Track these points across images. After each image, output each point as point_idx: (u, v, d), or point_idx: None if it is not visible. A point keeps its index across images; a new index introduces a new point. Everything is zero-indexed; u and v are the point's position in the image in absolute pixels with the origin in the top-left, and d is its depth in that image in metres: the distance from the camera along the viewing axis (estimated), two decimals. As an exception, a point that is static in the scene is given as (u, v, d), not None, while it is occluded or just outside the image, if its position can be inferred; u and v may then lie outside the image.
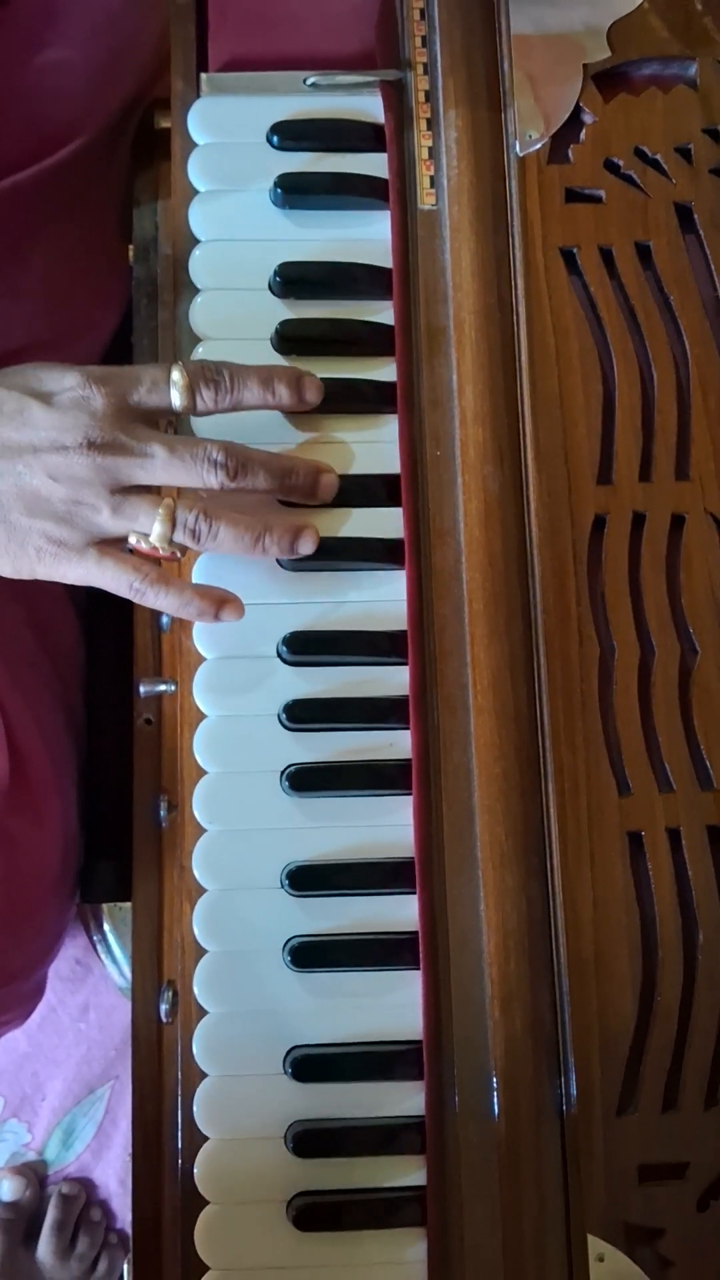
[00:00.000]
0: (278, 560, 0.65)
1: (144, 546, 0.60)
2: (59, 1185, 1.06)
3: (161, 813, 0.74)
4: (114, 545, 0.61)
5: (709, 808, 0.61)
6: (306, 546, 0.63)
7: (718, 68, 0.69)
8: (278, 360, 0.67)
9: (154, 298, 0.84)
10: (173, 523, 0.60)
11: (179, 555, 0.61)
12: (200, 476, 0.60)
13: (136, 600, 0.61)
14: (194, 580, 0.64)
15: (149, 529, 0.60)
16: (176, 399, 0.60)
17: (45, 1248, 1.03)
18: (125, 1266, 1.01)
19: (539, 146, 0.68)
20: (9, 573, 0.61)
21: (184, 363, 0.61)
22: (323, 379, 0.65)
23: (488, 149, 0.68)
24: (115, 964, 1.09)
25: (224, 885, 0.62)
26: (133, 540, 0.60)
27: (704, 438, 0.65)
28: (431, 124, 0.69)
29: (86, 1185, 1.09)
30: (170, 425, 0.66)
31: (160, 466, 0.59)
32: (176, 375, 0.60)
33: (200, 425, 0.64)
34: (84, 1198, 1.07)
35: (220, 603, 0.62)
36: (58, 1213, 1.04)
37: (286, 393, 0.63)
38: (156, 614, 0.77)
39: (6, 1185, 1.06)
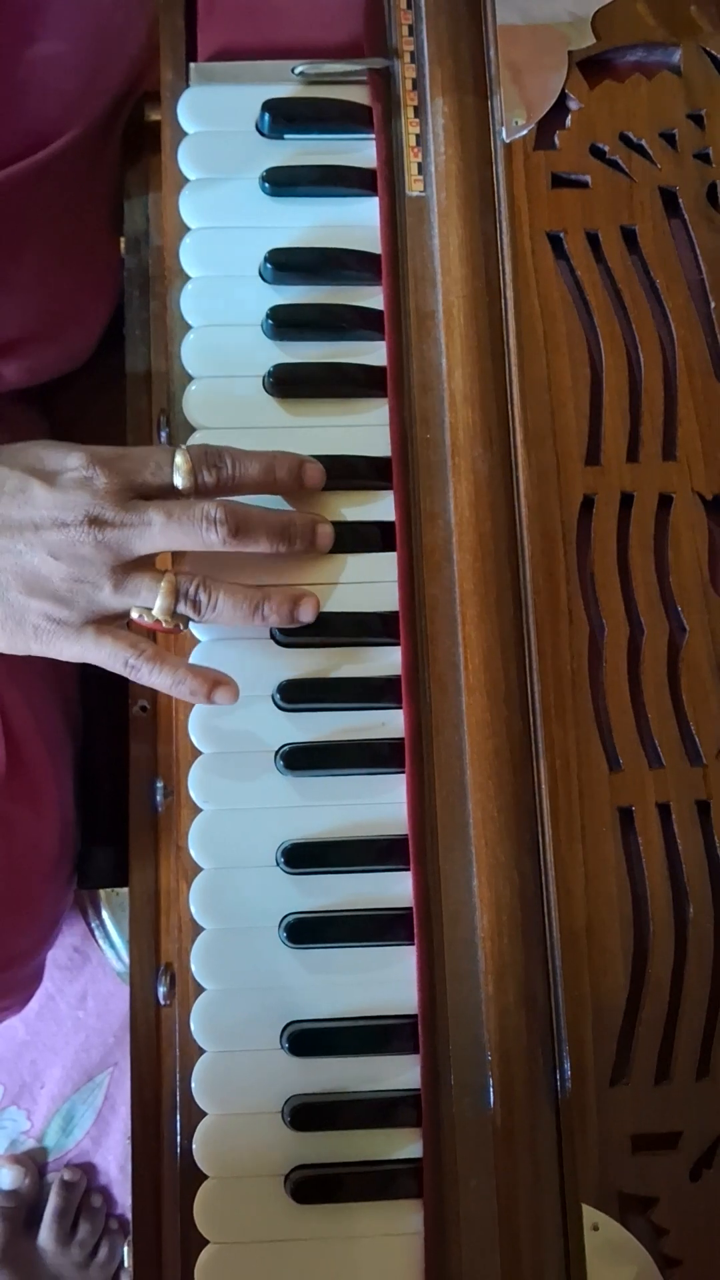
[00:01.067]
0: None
1: (146, 620, 0.61)
2: (60, 1172, 1.07)
3: (158, 798, 0.75)
4: (111, 621, 0.61)
5: (698, 783, 0.62)
6: (306, 615, 0.64)
7: (701, 54, 0.70)
8: (269, 347, 0.67)
9: (145, 289, 0.85)
10: (175, 596, 0.60)
11: (181, 627, 0.62)
12: (200, 537, 0.60)
13: (131, 677, 0.61)
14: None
15: (151, 603, 0.60)
16: (179, 481, 0.60)
17: (46, 1235, 1.03)
18: (125, 1250, 1.01)
19: (525, 133, 0.69)
20: (3, 649, 0.61)
21: (188, 448, 0.61)
22: (313, 364, 0.66)
23: (474, 136, 0.69)
24: (113, 949, 1.09)
25: (220, 864, 0.63)
26: (135, 615, 0.61)
27: (690, 419, 0.66)
28: (419, 111, 0.70)
29: (87, 1171, 1.09)
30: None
31: (159, 532, 0.59)
32: (180, 460, 0.60)
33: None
34: (85, 1184, 1.07)
35: (214, 684, 0.62)
36: (59, 1200, 1.05)
37: (287, 477, 0.63)
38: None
39: (6, 1174, 1.06)
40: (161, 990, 0.69)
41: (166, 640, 0.77)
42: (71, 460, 0.59)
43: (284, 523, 0.63)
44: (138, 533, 0.59)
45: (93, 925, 1.10)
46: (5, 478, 0.59)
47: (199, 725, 0.64)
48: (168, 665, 0.61)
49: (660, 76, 0.70)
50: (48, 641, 0.60)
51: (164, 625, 0.61)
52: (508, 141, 0.68)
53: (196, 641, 0.65)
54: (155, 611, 0.60)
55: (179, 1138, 0.63)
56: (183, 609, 0.61)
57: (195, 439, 0.67)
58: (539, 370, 0.66)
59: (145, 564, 0.61)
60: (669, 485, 0.65)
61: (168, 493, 0.61)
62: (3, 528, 0.58)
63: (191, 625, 0.65)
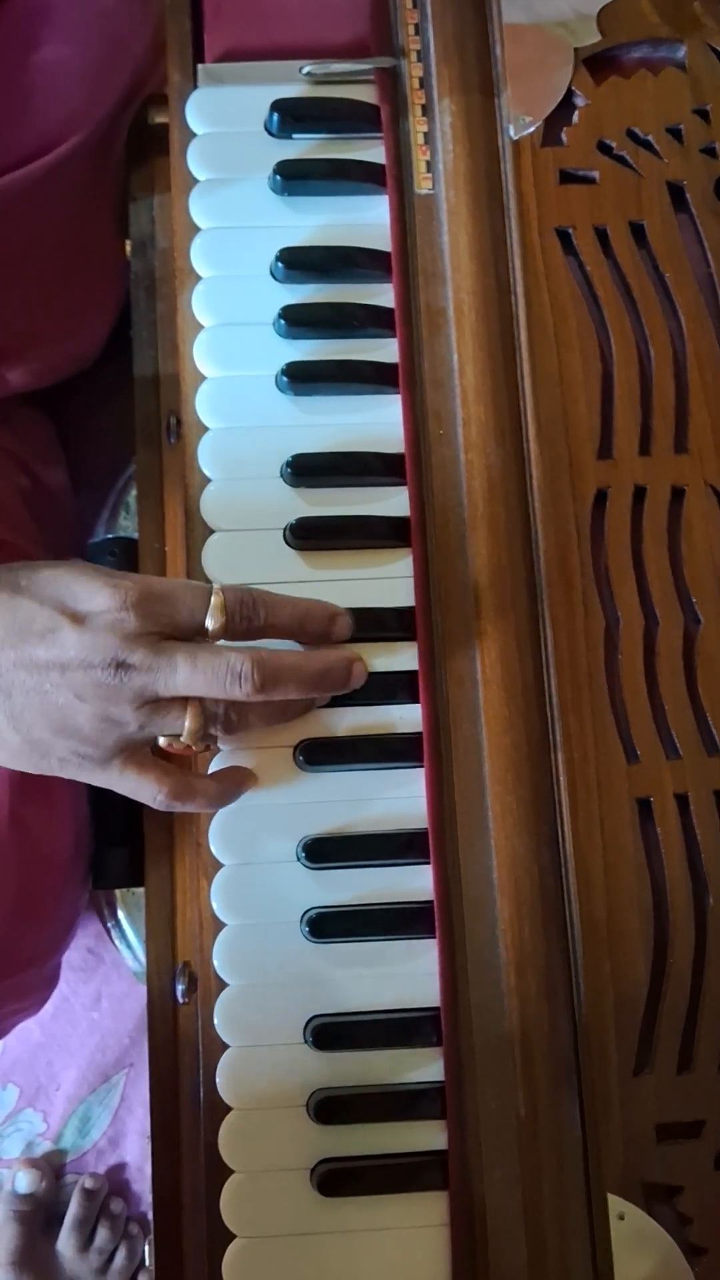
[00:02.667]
0: (285, 539, 0.66)
1: (176, 747, 0.60)
2: (82, 1180, 1.07)
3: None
4: (138, 751, 0.60)
5: (715, 773, 0.62)
6: (323, 700, 0.64)
7: (706, 50, 0.71)
8: (283, 346, 0.68)
9: (152, 291, 0.85)
10: (202, 720, 0.59)
11: (211, 746, 0.62)
12: (224, 689, 0.58)
13: (160, 809, 0.62)
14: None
15: (180, 730, 0.59)
16: (211, 624, 0.59)
17: (65, 1241, 1.03)
18: (146, 1249, 1.01)
19: (533, 130, 0.69)
20: (31, 771, 0.61)
21: (224, 591, 0.59)
22: (325, 361, 0.67)
23: (482, 133, 0.69)
24: (129, 948, 1.09)
25: (241, 860, 0.63)
26: (163, 743, 0.60)
27: (701, 411, 0.66)
28: (426, 110, 0.70)
29: (105, 1173, 1.09)
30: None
31: (183, 680, 0.58)
32: (215, 604, 0.58)
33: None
34: (105, 1190, 1.07)
35: (238, 785, 0.63)
36: (79, 1209, 1.04)
37: (317, 633, 0.63)
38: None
39: (23, 1177, 1.06)
40: (180, 988, 0.69)
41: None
42: (102, 600, 0.57)
43: (318, 672, 0.62)
44: (163, 677, 0.57)
45: (109, 925, 1.10)
46: (35, 615, 0.57)
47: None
48: (198, 795, 0.61)
49: (666, 73, 0.70)
50: (74, 773, 0.60)
51: (194, 749, 0.60)
52: (515, 139, 0.69)
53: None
54: (184, 738, 0.59)
55: (202, 1133, 0.63)
56: (212, 729, 0.60)
57: (206, 439, 0.67)
58: (550, 365, 0.66)
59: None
60: (681, 478, 0.66)
61: (196, 633, 0.59)
62: (31, 667, 0.57)
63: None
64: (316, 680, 0.62)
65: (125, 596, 0.57)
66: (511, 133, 0.69)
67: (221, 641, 0.60)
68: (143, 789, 0.60)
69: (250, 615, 0.60)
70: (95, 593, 0.57)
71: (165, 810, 0.62)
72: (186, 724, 0.59)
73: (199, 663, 0.57)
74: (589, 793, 0.62)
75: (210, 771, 0.64)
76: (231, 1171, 0.61)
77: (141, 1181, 1.09)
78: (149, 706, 0.58)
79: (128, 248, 0.86)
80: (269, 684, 0.58)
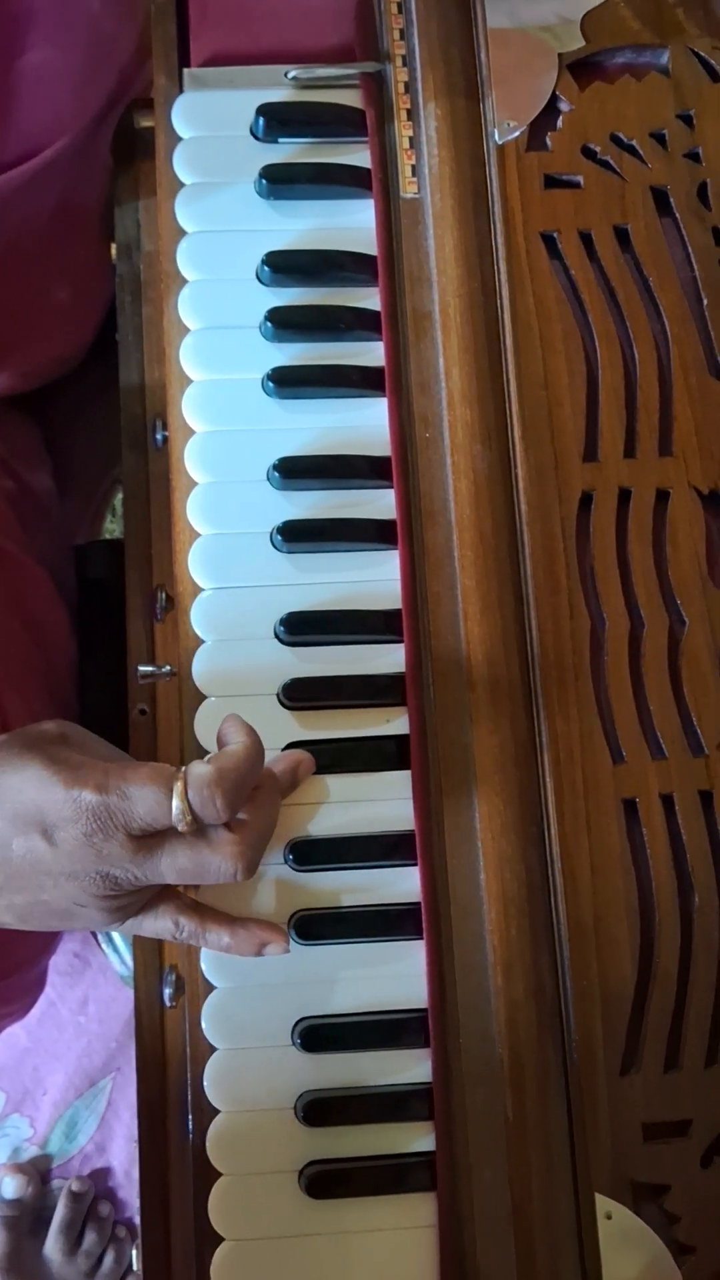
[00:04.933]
0: (271, 542, 0.66)
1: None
2: (68, 1183, 1.07)
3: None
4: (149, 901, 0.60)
5: (700, 773, 0.63)
6: (306, 771, 0.64)
7: (689, 55, 0.71)
8: (269, 349, 0.68)
9: (137, 295, 0.85)
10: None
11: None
12: (215, 880, 0.56)
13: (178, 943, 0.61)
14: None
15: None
16: (180, 824, 0.54)
17: (52, 1245, 1.03)
18: (134, 1253, 1.01)
19: (517, 135, 0.69)
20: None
21: (187, 788, 0.54)
22: (312, 365, 0.67)
23: (467, 138, 0.70)
24: (116, 952, 1.09)
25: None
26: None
27: (685, 414, 0.67)
28: (412, 114, 0.71)
29: (91, 1177, 1.09)
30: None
31: (172, 878, 0.56)
32: (178, 806, 0.54)
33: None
34: (92, 1194, 1.07)
35: (261, 944, 0.60)
36: (66, 1211, 1.04)
37: (288, 785, 0.62)
38: (150, 605, 0.78)
39: (9, 1182, 1.06)
40: (167, 992, 0.69)
41: (166, 638, 0.77)
42: (65, 814, 0.54)
43: (277, 811, 0.60)
44: (151, 880, 0.56)
45: (95, 930, 1.10)
46: (10, 837, 0.55)
47: (204, 727, 0.64)
48: (210, 934, 0.60)
49: (649, 78, 0.71)
50: (89, 927, 0.60)
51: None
52: (500, 143, 0.69)
53: (201, 641, 0.65)
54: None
55: (190, 1136, 0.63)
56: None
57: (193, 442, 0.67)
58: (535, 368, 0.67)
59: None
60: (666, 480, 0.66)
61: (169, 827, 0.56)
62: (19, 878, 0.55)
63: (193, 623, 0.65)
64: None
65: (87, 813, 0.54)
66: (496, 137, 0.69)
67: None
68: (160, 931, 0.60)
69: (219, 807, 0.55)
70: (59, 807, 0.54)
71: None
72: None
73: (180, 864, 0.55)
74: (575, 794, 0.62)
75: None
76: (219, 1174, 0.61)
77: (128, 1186, 1.09)
78: (147, 889, 0.58)
79: (113, 251, 0.86)
80: (255, 862, 0.57)
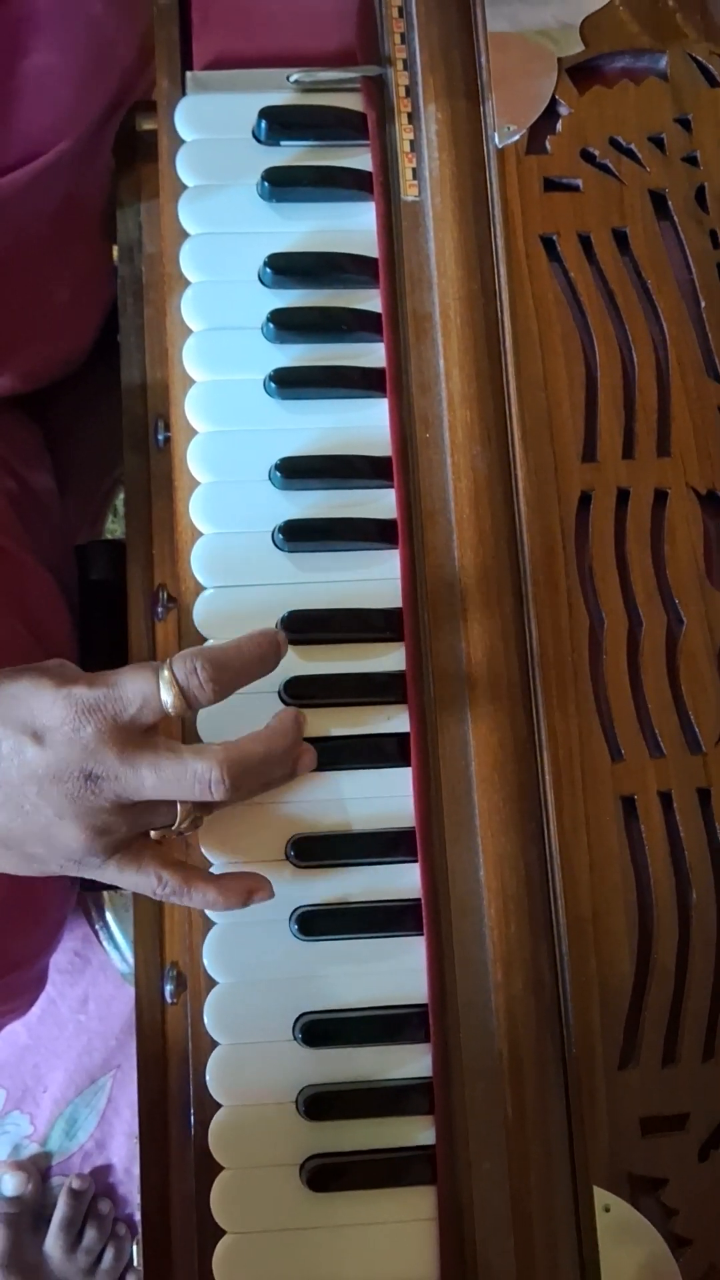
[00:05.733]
0: (272, 541, 0.66)
1: (169, 836, 0.60)
2: (69, 1180, 1.07)
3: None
4: (133, 844, 0.60)
5: (698, 771, 0.63)
6: (306, 766, 0.64)
7: (687, 59, 0.72)
8: (271, 350, 0.69)
9: (139, 296, 0.86)
10: (191, 809, 0.59)
11: (199, 826, 0.61)
12: (195, 795, 0.57)
13: (162, 901, 0.61)
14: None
15: (170, 823, 0.59)
16: (170, 706, 0.57)
17: (53, 1242, 1.03)
18: (135, 1249, 1.01)
19: (517, 138, 0.70)
20: (35, 875, 0.61)
21: (172, 665, 0.57)
22: (313, 366, 0.68)
23: (467, 141, 0.70)
24: (117, 950, 1.10)
25: (231, 859, 0.64)
26: (154, 835, 0.60)
27: (683, 415, 0.67)
28: (412, 118, 0.71)
29: (91, 1174, 1.09)
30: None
31: (151, 788, 0.57)
32: (164, 688, 0.56)
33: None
34: (92, 1191, 1.07)
35: (248, 892, 0.61)
36: (66, 1209, 1.05)
37: (272, 659, 0.61)
38: (151, 605, 0.79)
39: (9, 1179, 1.06)
40: (168, 989, 0.69)
41: (168, 637, 0.77)
42: (57, 713, 0.56)
43: (285, 750, 0.61)
44: (133, 787, 0.56)
45: (96, 927, 1.11)
46: (1, 738, 0.56)
47: (206, 727, 0.64)
48: (195, 890, 0.60)
49: (648, 82, 0.72)
50: (74, 873, 0.60)
51: (185, 833, 0.60)
52: (500, 147, 0.70)
53: (203, 640, 0.65)
54: (174, 829, 0.59)
55: (192, 1131, 0.64)
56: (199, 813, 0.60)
57: (196, 442, 0.68)
58: (535, 370, 0.67)
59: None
60: (664, 481, 0.67)
61: (161, 718, 0.58)
62: (7, 786, 0.56)
63: (196, 622, 0.66)
64: (284, 758, 0.61)
65: (78, 706, 0.56)
66: (496, 141, 0.70)
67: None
68: (143, 884, 0.60)
69: (202, 682, 0.57)
70: (50, 706, 0.56)
71: (164, 901, 0.61)
72: (177, 818, 0.59)
73: (163, 772, 0.56)
74: (574, 791, 0.63)
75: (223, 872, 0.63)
76: (221, 1168, 0.61)
77: (128, 1183, 1.09)
78: (131, 811, 0.58)
79: (114, 253, 0.87)
80: (239, 783, 0.57)
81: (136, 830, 0.59)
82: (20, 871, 0.60)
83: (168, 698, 0.56)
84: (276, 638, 0.60)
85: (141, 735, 0.57)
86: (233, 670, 0.58)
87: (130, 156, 0.86)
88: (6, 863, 0.59)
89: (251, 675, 0.59)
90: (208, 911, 0.63)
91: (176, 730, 0.66)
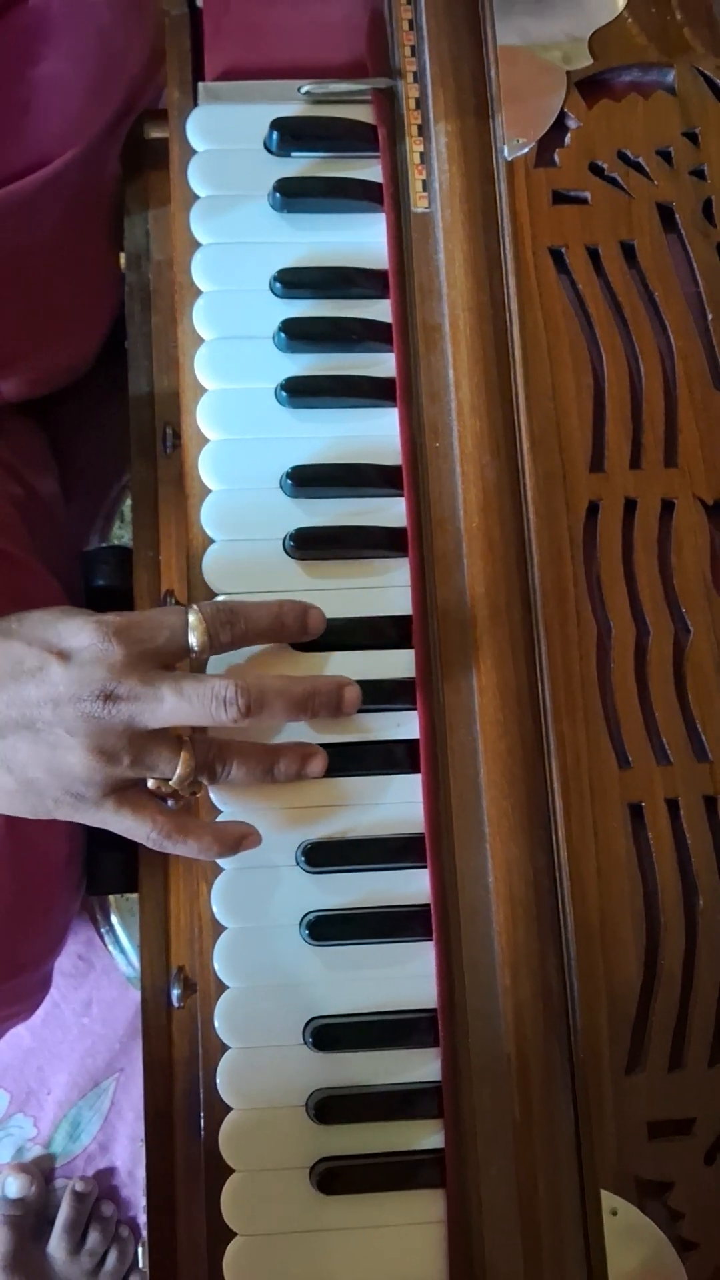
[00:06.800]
0: (284, 548, 0.67)
1: (164, 789, 0.61)
2: (72, 1183, 1.07)
3: (169, 803, 0.76)
4: (131, 788, 0.61)
5: (705, 779, 0.64)
6: (316, 769, 0.64)
7: (695, 74, 0.73)
8: (282, 360, 0.69)
9: (147, 304, 0.86)
10: (192, 767, 0.60)
11: (197, 794, 0.63)
12: (210, 715, 0.59)
13: (154, 848, 0.62)
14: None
15: (170, 774, 0.60)
16: (194, 642, 0.60)
17: (56, 1245, 1.03)
18: (140, 1251, 1.02)
19: (526, 151, 0.71)
20: (27, 814, 0.61)
21: (200, 607, 0.61)
22: (324, 376, 0.68)
23: (477, 154, 0.71)
24: (123, 954, 1.10)
25: (241, 864, 0.64)
26: (151, 784, 0.61)
27: (690, 427, 0.68)
28: (422, 130, 0.72)
29: (95, 1177, 1.10)
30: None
31: (169, 709, 0.58)
32: (194, 620, 0.60)
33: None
34: (96, 1194, 1.08)
35: (239, 839, 0.62)
36: (70, 1211, 1.05)
37: (294, 626, 0.64)
38: (156, 603, 0.79)
39: (13, 1182, 1.06)
40: (175, 992, 0.70)
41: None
42: (86, 635, 0.58)
43: (306, 693, 0.63)
44: (150, 708, 0.58)
45: (102, 931, 1.11)
46: (24, 655, 0.58)
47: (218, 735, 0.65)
48: (190, 836, 0.61)
49: (656, 96, 0.72)
50: (69, 812, 0.60)
51: (181, 793, 0.61)
52: (509, 159, 0.71)
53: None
54: (173, 782, 0.60)
55: (202, 1134, 0.64)
56: (201, 777, 0.61)
57: (207, 450, 0.68)
58: (543, 380, 0.68)
59: (162, 733, 0.60)
60: (671, 491, 0.67)
61: (182, 655, 0.61)
62: (22, 705, 0.58)
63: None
64: (304, 701, 0.62)
65: (107, 629, 0.58)
66: (506, 153, 0.71)
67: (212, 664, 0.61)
68: (137, 828, 0.61)
69: (229, 622, 0.61)
70: (80, 629, 0.59)
71: (159, 850, 0.62)
72: (177, 770, 0.60)
73: (184, 690, 0.58)
74: (582, 798, 0.63)
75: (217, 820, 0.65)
76: (231, 1171, 0.62)
77: (132, 1186, 1.09)
78: (139, 742, 0.59)
79: (122, 260, 0.87)
80: (255, 706, 0.59)
81: (139, 769, 0.60)
82: (15, 808, 0.61)
83: (194, 635, 0.60)
84: (313, 610, 0.64)
85: (163, 662, 0.60)
86: (260, 623, 0.62)
87: (138, 164, 0.87)
88: (4, 793, 0.60)
89: (275, 634, 0.64)
90: (215, 911, 0.64)
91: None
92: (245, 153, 0.72)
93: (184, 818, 0.62)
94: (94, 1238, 1.05)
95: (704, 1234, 0.60)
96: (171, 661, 0.61)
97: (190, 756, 0.60)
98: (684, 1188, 0.60)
